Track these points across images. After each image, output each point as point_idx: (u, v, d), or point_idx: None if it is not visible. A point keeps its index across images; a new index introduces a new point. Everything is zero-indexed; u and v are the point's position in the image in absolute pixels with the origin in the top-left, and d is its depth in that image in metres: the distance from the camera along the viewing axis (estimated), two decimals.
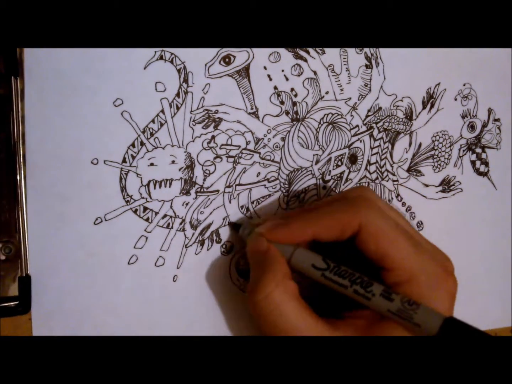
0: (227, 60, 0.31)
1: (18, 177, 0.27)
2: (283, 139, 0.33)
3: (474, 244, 0.40)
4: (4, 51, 0.27)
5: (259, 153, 0.32)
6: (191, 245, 0.31)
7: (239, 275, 0.32)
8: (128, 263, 0.29)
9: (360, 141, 0.36)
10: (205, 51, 0.31)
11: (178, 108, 0.30)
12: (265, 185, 0.33)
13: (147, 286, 0.29)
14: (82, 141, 0.28)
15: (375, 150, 0.36)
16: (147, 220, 0.29)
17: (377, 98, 0.36)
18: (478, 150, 0.41)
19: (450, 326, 0.23)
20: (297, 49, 0.33)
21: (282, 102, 0.33)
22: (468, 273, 0.39)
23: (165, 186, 0.30)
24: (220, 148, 0.31)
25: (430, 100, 0.38)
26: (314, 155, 0.34)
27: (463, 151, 0.40)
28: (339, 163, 0.35)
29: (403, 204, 0.38)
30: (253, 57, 0.32)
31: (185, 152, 0.30)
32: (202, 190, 0.31)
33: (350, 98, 0.35)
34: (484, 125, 0.41)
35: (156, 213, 0.30)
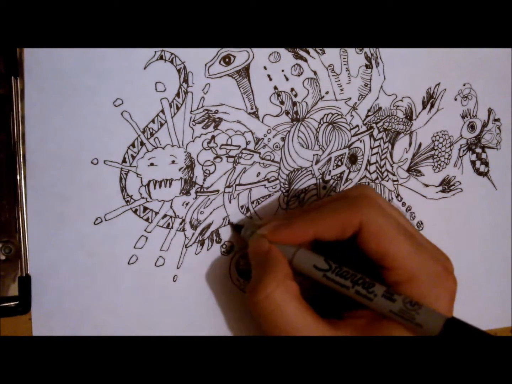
0: (227, 60, 0.31)
1: (18, 177, 0.27)
2: (283, 139, 0.33)
3: (474, 244, 0.40)
4: (4, 51, 0.27)
5: (259, 153, 0.32)
6: (191, 245, 0.31)
7: (239, 275, 0.32)
8: (128, 263, 0.29)
9: (360, 141, 0.36)
10: (205, 51, 0.31)
11: (178, 108, 0.30)
12: (265, 185, 0.33)
13: (147, 286, 0.29)
14: (82, 141, 0.28)
15: (375, 150, 0.36)
16: (147, 220, 0.29)
17: (377, 98, 0.36)
18: (478, 150, 0.41)
19: (452, 326, 0.23)
20: (297, 49, 0.33)
21: (282, 102, 0.33)
22: (468, 273, 0.39)
23: (165, 186, 0.30)
24: (220, 148, 0.31)
25: (430, 100, 0.38)
26: (314, 155, 0.34)
27: (463, 151, 0.40)
28: (339, 163, 0.35)
29: (403, 204, 0.38)
30: (253, 57, 0.32)
31: (185, 152, 0.30)
32: (202, 190, 0.31)
33: (350, 98, 0.35)
34: (484, 125, 0.41)
35: (156, 213, 0.30)
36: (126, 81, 0.29)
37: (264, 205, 0.33)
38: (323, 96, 0.34)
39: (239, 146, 0.32)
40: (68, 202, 0.28)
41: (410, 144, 0.38)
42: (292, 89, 0.33)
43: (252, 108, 0.32)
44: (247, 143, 0.32)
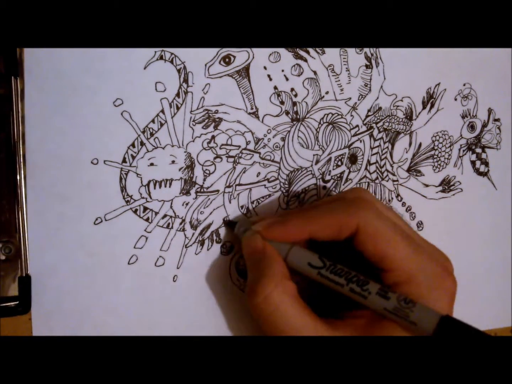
0: (227, 60, 0.31)
1: (18, 177, 0.27)
2: (283, 139, 0.33)
3: (474, 244, 0.40)
4: (4, 51, 0.27)
5: (259, 153, 0.32)
6: (191, 245, 0.31)
7: (239, 275, 0.32)
8: (128, 263, 0.29)
9: (360, 141, 0.36)
10: (205, 51, 0.31)
11: (178, 108, 0.30)
12: (265, 185, 0.33)
13: (147, 286, 0.29)
14: (82, 141, 0.28)
15: (375, 150, 0.36)
16: (147, 220, 0.29)
17: (377, 98, 0.36)
18: (478, 150, 0.41)
19: (447, 324, 0.23)
20: (297, 49, 0.33)
21: (282, 102, 0.33)
22: (468, 273, 0.39)
23: (165, 186, 0.30)
24: (220, 148, 0.31)
25: (430, 100, 0.38)
26: (314, 155, 0.34)
27: (463, 151, 0.40)
28: (339, 163, 0.35)
29: (403, 204, 0.38)
30: (253, 57, 0.32)
31: (185, 152, 0.30)
32: (202, 190, 0.31)
33: (350, 98, 0.35)
34: (484, 125, 0.41)
35: (156, 213, 0.30)
36: (126, 81, 0.29)
37: (264, 205, 0.33)
38: (323, 96, 0.34)
39: (239, 146, 0.32)
40: (68, 202, 0.28)
41: (410, 144, 0.38)
42: (292, 89, 0.33)
43: (252, 108, 0.32)
44: (247, 143, 0.32)
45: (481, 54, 0.40)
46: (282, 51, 0.33)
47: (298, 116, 0.33)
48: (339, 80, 0.35)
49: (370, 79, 0.36)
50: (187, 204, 0.30)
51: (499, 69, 0.41)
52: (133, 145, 0.29)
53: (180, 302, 0.30)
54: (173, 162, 0.30)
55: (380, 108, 0.36)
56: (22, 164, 0.27)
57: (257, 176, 0.32)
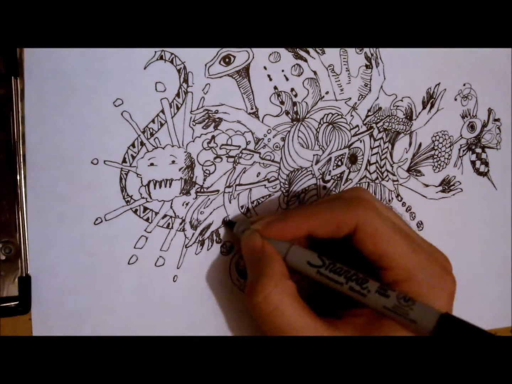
0: (227, 60, 0.31)
1: (18, 177, 0.27)
2: (283, 139, 0.33)
3: (474, 244, 0.40)
4: (4, 51, 0.27)
5: (259, 153, 0.32)
6: (191, 245, 0.31)
7: (239, 275, 0.32)
8: (128, 263, 0.29)
9: (360, 141, 0.36)
10: (205, 51, 0.31)
11: (178, 108, 0.30)
12: (265, 185, 0.33)
13: (147, 286, 0.29)
14: (82, 141, 0.28)
15: (375, 150, 0.36)
16: (147, 220, 0.29)
17: (377, 98, 0.36)
18: (478, 150, 0.41)
19: (446, 322, 0.23)
20: (297, 49, 0.33)
21: (282, 102, 0.33)
22: (468, 273, 0.39)
23: (165, 186, 0.30)
24: (220, 148, 0.31)
25: (430, 100, 0.38)
26: (314, 155, 0.34)
27: (463, 151, 0.40)
28: (339, 163, 0.35)
29: (403, 204, 0.38)
30: (253, 57, 0.32)
31: (185, 152, 0.30)
32: (202, 190, 0.31)
33: (350, 98, 0.35)
34: (484, 125, 0.41)
35: (156, 213, 0.30)
36: (126, 81, 0.29)
37: (264, 205, 0.33)
38: (323, 96, 0.34)
39: (239, 146, 0.32)
40: (68, 202, 0.28)
41: (410, 144, 0.38)
42: (292, 89, 0.33)
43: (252, 108, 0.32)
44: (247, 143, 0.32)
45: (481, 54, 0.40)
46: (282, 51, 0.33)
47: (298, 116, 0.33)
48: (339, 80, 0.35)
49: (370, 79, 0.36)
50: (187, 204, 0.30)
51: (499, 69, 0.41)
52: (133, 145, 0.29)
53: (180, 302, 0.30)
54: (173, 162, 0.30)
55: (380, 108, 0.36)
56: (22, 164, 0.27)
57: (257, 176, 0.32)
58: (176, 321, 0.30)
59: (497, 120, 0.42)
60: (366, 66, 0.36)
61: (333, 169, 0.35)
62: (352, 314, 0.27)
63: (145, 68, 0.29)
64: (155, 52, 0.30)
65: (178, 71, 0.30)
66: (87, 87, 0.28)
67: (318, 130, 0.34)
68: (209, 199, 0.31)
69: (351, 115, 0.35)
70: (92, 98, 0.28)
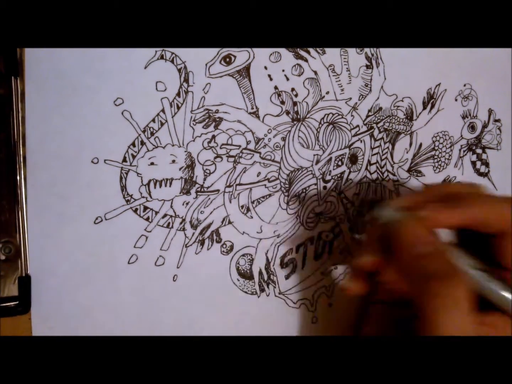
0: (227, 59, 0.31)
1: (18, 177, 0.27)
2: (283, 139, 0.33)
3: None
4: (4, 51, 0.27)
5: (260, 152, 0.32)
6: (191, 245, 0.31)
7: (239, 275, 0.32)
8: (128, 263, 0.29)
9: (361, 141, 0.36)
10: (205, 50, 0.31)
11: (178, 108, 0.30)
12: (265, 185, 0.33)
13: (147, 285, 0.29)
14: (83, 141, 0.28)
15: (375, 150, 0.36)
16: (147, 219, 0.29)
17: (378, 98, 0.36)
18: (479, 150, 0.41)
19: None
20: (298, 49, 0.33)
21: (282, 102, 0.33)
22: None
23: (165, 186, 0.30)
24: (221, 148, 0.31)
25: (430, 100, 0.38)
26: (314, 155, 0.34)
27: (464, 151, 0.40)
28: (340, 163, 0.35)
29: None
30: (253, 57, 0.32)
31: (185, 151, 0.30)
32: (202, 189, 0.31)
33: (350, 98, 0.35)
34: (485, 126, 0.41)
35: (156, 213, 0.30)
36: (127, 81, 0.29)
37: (264, 205, 0.33)
38: (324, 96, 0.34)
39: (240, 146, 0.32)
40: (68, 201, 0.28)
41: (410, 144, 0.38)
42: (293, 89, 0.33)
43: (252, 108, 0.32)
44: (248, 142, 0.32)
45: (481, 54, 0.40)
46: (282, 51, 0.33)
47: (298, 116, 0.33)
48: (339, 80, 0.35)
49: (371, 79, 0.36)
50: (187, 203, 0.30)
51: (499, 69, 0.41)
52: (133, 144, 0.29)
53: (180, 302, 0.30)
54: (173, 161, 0.30)
55: (380, 108, 0.36)
56: (22, 164, 0.27)
57: (258, 176, 0.32)
58: (176, 321, 0.30)
59: (498, 120, 0.42)
60: (367, 66, 0.36)
61: (334, 169, 0.35)
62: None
63: (145, 67, 0.30)
64: (156, 51, 0.30)
65: (179, 70, 0.30)
66: (87, 87, 0.28)
67: (318, 130, 0.34)
68: (209, 198, 0.31)
69: (352, 115, 0.35)
70: (92, 97, 0.28)
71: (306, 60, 0.34)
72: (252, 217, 0.32)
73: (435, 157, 0.39)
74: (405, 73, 0.37)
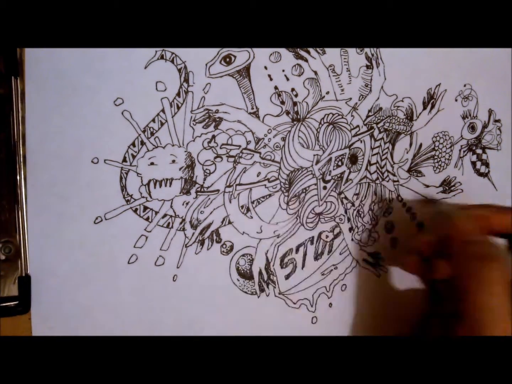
0: (227, 60, 0.31)
1: (18, 177, 0.27)
2: (283, 139, 0.33)
3: None
4: (4, 51, 0.27)
5: (260, 153, 0.32)
6: (191, 245, 0.31)
7: (239, 275, 0.32)
8: (128, 263, 0.29)
9: (361, 142, 0.36)
10: (205, 50, 0.31)
11: (178, 108, 0.30)
12: (265, 185, 0.33)
13: (147, 285, 0.29)
14: (82, 141, 0.28)
15: (375, 151, 0.36)
16: (147, 219, 0.29)
17: (378, 98, 0.36)
18: (479, 151, 0.41)
19: None
20: (298, 49, 0.33)
21: (282, 102, 0.33)
22: None
23: (165, 186, 0.30)
24: (221, 148, 0.31)
25: (430, 100, 0.38)
26: (314, 155, 0.34)
27: (464, 151, 0.40)
28: (340, 163, 0.35)
29: (404, 204, 0.38)
30: (253, 57, 0.32)
31: (185, 151, 0.30)
32: (202, 189, 0.31)
33: (350, 98, 0.35)
34: (485, 126, 0.41)
35: (156, 213, 0.30)
36: (127, 81, 0.29)
37: (264, 205, 0.33)
38: (324, 96, 0.34)
39: (240, 146, 0.32)
40: (68, 201, 0.28)
41: (410, 144, 0.38)
42: (293, 89, 0.33)
43: (252, 108, 0.32)
44: (248, 142, 0.32)
45: (482, 54, 0.40)
46: (282, 51, 0.33)
47: (298, 116, 0.33)
48: (339, 80, 0.35)
49: (371, 80, 0.36)
50: (187, 203, 0.30)
51: (499, 69, 0.41)
52: (133, 144, 0.29)
53: (180, 302, 0.30)
54: (173, 161, 0.30)
55: (380, 109, 0.36)
56: (22, 164, 0.27)
57: (258, 176, 0.32)
58: (176, 321, 0.30)
59: (498, 121, 0.42)
60: (367, 66, 0.36)
61: (334, 169, 0.35)
62: None
63: (145, 67, 0.30)
64: (156, 51, 0.30)
65: (179, 70, 0.30)
66: (87, 87, 0.28)
67: (318, 130, 0.34)
68: (209, 198, 0.31)
69: (352, 115, 0.35)
70: (92, 97, 0.28)
71: (306, 60, 0.34)
72: (252, 217, 0.32)
73: (435, 157, 0.39)
74: (405, 73, 0.37)
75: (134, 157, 0.29)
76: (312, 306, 0.35)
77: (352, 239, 0.36)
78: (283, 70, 0.33)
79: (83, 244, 0.28)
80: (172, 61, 0.30)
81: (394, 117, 0.37)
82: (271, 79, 0.33)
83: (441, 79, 0.39)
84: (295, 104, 0.33)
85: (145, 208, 0.29)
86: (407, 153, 0.38)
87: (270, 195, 0.33)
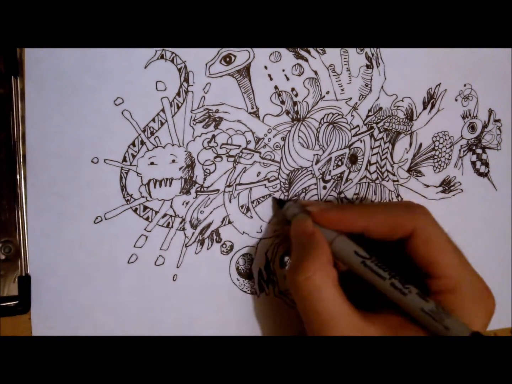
0: (227, 59, 0.31)
1: (18, 177, 0.27)
2: (283, 138, 0.33)
3: (474, 245, 0.40)
4: (4, 51, 0.27)
5: (260, 152, 0.32)
6: (191, 245, 0.31)
7: (239, 275, 0.32)
8: (128, 262, 0.29)
9: (361, 141, 0.36)
10: (205, 50, 0.31)
11: (178, 107, 0.30)
12: (265, 184, 0.33)
13: (147, 285, 0.29)
14: (83, 140, 0.28)
15: (375, 150, 0.36)
16: (147, 219, 0.29)
17: (378, 98, 0.36)
18: (479, 150, 0.41)
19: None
20: (298, 49, 0.33)
21: (282, 102, 0.33)
22: None
23: (165, 185, 0.30)
24: (221, 148, 0.31)
25: (430, 100, 0.38)
26: (314, 155, 0.34)
27: (464, 151, 0.40)
28: (339, 163, 0.35)
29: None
30: (253, 57, 0.32)
31: (185, 151, 0.30)
32: (202, 189, 0.31)
33: (350, 98, 0.35)
34: (485, 126, 0.41)
35: (156, 212, 0.30)
36: (127, 81, 0.29)
37: (264, 205, 0.33)
38: (324, 96, 0.34)
39: (240, 146, 0.32)
40: (68, 201, 0.28)
41: (410, 144, 0.38)
42: (293, 89, 0.33)
43: (252, 108, 0.32)
44: (248, 142, 0.32)
45: (482, 54, 0.40)
46: (283, 50, 0.33)
47: (298, 116, 0.33)
48: (339, 80, 0.35)
49: (371, 79, 0.36)
50: (187, 203, 0.30)
51: (499, 69, 0.41)
52: (133, 144, 0.29)
53: (180, 301, 0.30)
54: (173, 161, 0.30)
55: (380, 108, 0.36)
56: (22, 163, 0.27)
57: (257, 175, 0.32)
58: (176, 321, 0.30)
59: (498, 120, 0.42)
60: (367, 66, 0.36)
61: (333, 169, 0.35)
62: (388, 312, 0.27)
63: (145, 67, 0.30)
64: (156, 51, 0.30)
65: (179, 70, 0.30)
66: (87, 87, 0.28)
67: (318, 130, 0.34)
68: (209, 198, 0.31)
69: (352, 115, 0.35)
70: (92, 97, 0.28)
71: (306, 60, 0.34)
72: (252, 217, 0.32)
73: (435, 157, 0.39)
74: (405, 73, 0.37)
75: (134, 156, 0.29)
76: None
77: None
78: (283, 70, 0.33)
79: (83, 244, 0.28)
80: (172, 61, 0.30)
81: (394, 117, 0.37)
82: (271, 79, 0.33)
83: (441, 79, 0.39)
84: (295, 103, 0.33)
85: (145, 207, 0.29)
86: (407, 153, 0.38)
87: (270, 195, 0.33)
